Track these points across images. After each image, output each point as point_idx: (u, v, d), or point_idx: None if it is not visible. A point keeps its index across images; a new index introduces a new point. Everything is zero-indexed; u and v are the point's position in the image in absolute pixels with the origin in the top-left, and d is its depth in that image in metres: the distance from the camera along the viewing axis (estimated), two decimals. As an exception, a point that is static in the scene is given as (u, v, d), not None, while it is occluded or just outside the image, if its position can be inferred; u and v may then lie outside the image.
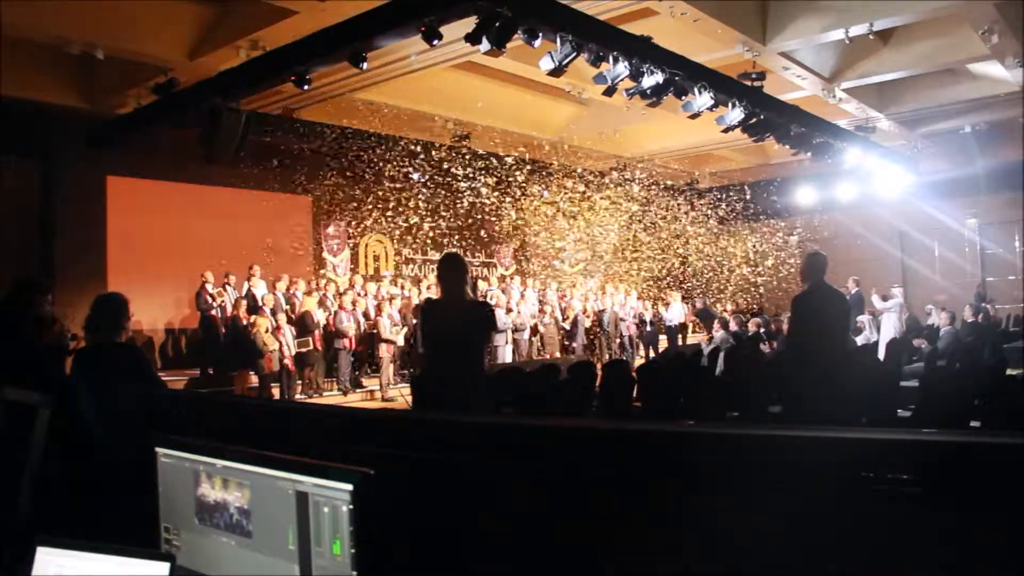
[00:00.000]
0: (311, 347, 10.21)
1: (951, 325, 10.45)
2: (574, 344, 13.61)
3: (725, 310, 14.94)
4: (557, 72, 7.63)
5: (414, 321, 11.17)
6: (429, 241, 14.80)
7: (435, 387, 4.20)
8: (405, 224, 14.08)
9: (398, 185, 13.48)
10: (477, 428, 1.88)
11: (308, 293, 11.18)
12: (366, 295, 11.63)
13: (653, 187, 16.47)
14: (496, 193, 14.41)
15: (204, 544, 1.56)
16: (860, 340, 11.30)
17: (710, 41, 9.30)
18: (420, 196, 13.83)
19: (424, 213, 14.03)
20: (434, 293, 12.34)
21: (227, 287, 10.61)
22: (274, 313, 10.07)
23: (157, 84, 9.48)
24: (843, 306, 5.56)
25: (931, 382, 5.51)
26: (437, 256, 15.07)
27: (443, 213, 14.37)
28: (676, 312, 15.24)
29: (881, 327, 12.03)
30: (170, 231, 11.60)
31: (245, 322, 9.89)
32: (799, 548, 1.27)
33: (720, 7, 8.56)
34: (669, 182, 17.59)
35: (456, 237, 15.13)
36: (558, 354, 13.12)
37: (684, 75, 8.36)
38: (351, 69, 8.12)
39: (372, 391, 10.85)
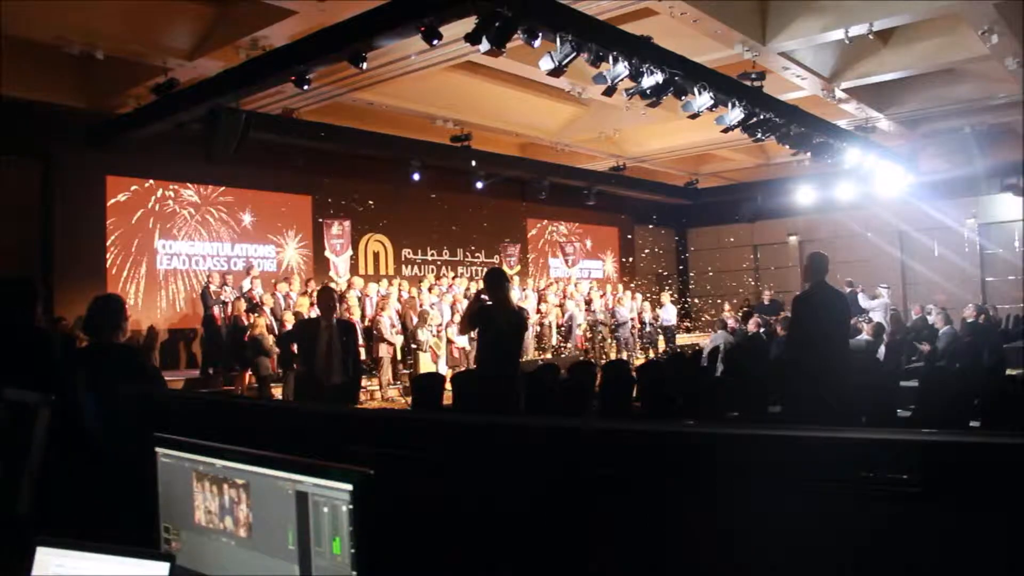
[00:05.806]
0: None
1: (950, 325, 10.44)
2: (573, 344, 13.62)
3: (725, 310, 14.94)
4: (557, 72, 7.63)
5: (415, 320, 11.22)
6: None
7: (488, 373, 5.21)
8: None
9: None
10: (477, 428, 1.88)
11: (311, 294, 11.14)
12: (368, 296, 11.60)
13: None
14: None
15: (204, 544, 1.56)
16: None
17: (710, 41, 9.29)
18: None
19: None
20: (436, 293, 12.47)
21: (225, 287, 10.58)
22: (274, 313, 10.04)
23: (157, 84, 9.50)
24: (843, 306, 5.57)
25: (931, 382, 5.52)
26: (436, 257, 15.17)
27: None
28: (670, 312, 15.27)
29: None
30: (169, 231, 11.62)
31: (245, 322, 9.86)
32: (799, 548, 1.27)
33: (720, 7, 8.55)
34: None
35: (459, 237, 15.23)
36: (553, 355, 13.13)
37: (684, 75, 8.36)
38: (351, 69, 8.12)
39: (372, 391, 10.84)
